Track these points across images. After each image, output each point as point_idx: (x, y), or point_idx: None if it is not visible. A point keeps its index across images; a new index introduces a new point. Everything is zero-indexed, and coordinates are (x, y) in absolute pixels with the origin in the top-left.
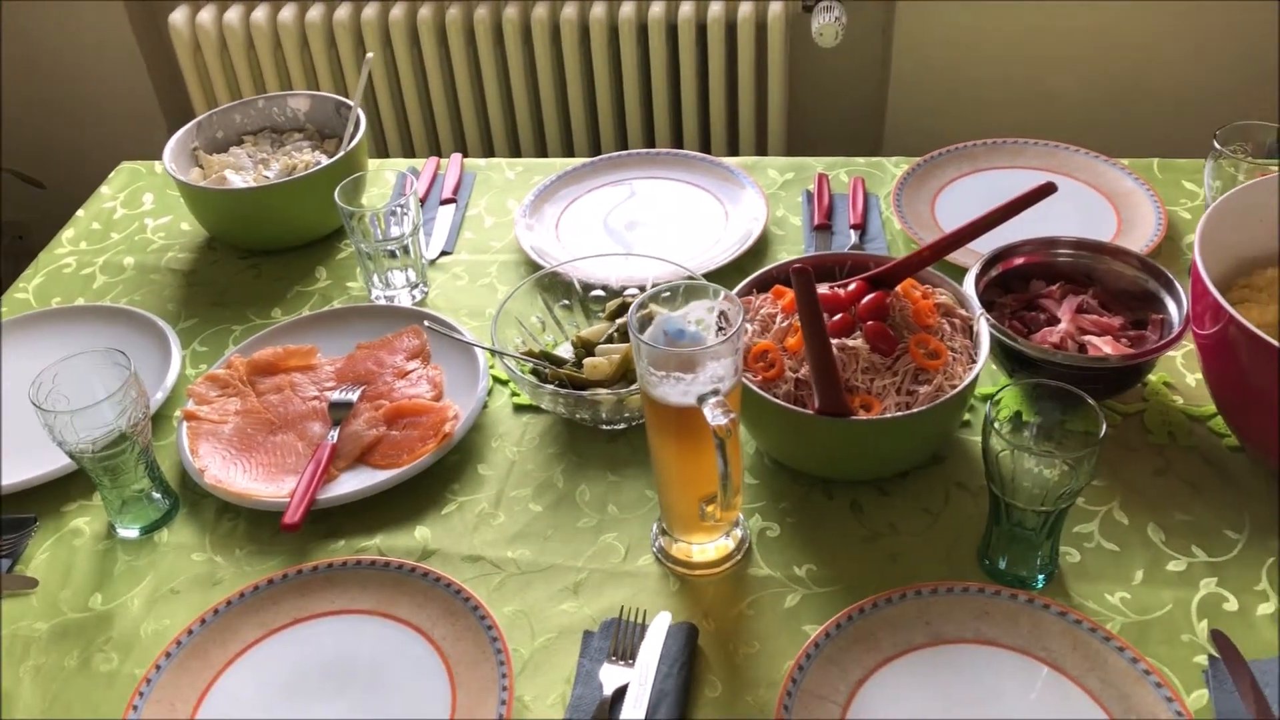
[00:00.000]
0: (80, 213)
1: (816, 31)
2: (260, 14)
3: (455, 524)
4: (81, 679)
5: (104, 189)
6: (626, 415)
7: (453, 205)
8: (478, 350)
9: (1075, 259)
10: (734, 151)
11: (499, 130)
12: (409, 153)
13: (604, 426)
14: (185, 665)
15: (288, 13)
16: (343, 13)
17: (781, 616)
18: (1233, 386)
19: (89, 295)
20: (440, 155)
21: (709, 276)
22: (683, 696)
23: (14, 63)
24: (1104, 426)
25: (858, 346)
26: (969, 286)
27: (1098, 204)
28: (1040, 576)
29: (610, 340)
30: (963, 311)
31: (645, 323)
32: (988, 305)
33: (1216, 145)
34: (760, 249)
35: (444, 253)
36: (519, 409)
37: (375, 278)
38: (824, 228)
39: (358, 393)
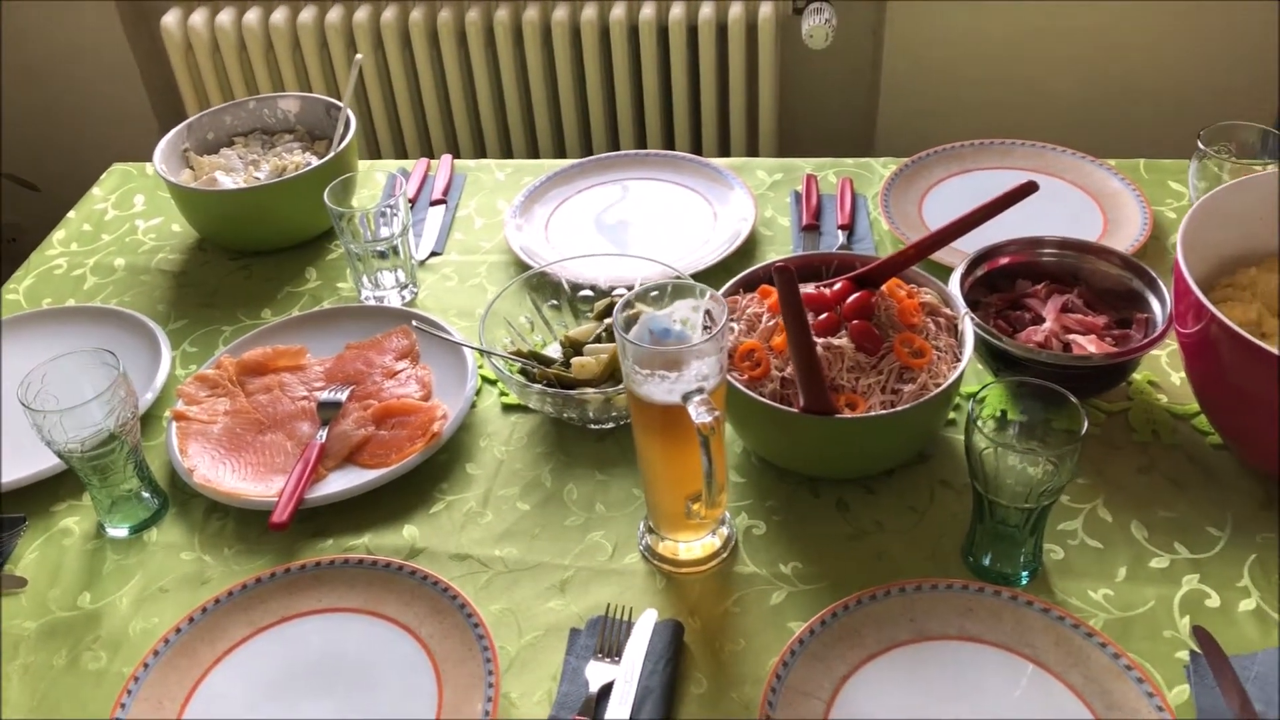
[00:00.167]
0: (71, 214)
1: (807, 33)
2: (252, 16)
3: (443, 523)
4: (70, 677)
5: (95, 190)
6: (614, 414)
7: (443, 206)
8: (466, 350)
9: (1060, 258)
10: (725, 153)
11: (491, 132)
12: (401, 154)
13: (592, 426)
14: (173, 663)
15: (279, 15)
16: (334, 15)
17: (767, 613)
18: (1215, 385)
19: (79, 296)
20: (432, 157)
21: (697, 276)
22: (668, 693)
23: (7, 65)
24: (1085, 424)
25: (843, 345)
26: (954, 286)
27: (1084, 204)
28: (1024, 573)
29: (598, 340)
30: (948, 310)
31: (631, 322)
32: (973, 305)
33: (1201, 146)
34: (748, 249)
35: (434, 253)
36: (507, 409)
37: (365, 278)
38: (812, 228)
39: (346, 393)
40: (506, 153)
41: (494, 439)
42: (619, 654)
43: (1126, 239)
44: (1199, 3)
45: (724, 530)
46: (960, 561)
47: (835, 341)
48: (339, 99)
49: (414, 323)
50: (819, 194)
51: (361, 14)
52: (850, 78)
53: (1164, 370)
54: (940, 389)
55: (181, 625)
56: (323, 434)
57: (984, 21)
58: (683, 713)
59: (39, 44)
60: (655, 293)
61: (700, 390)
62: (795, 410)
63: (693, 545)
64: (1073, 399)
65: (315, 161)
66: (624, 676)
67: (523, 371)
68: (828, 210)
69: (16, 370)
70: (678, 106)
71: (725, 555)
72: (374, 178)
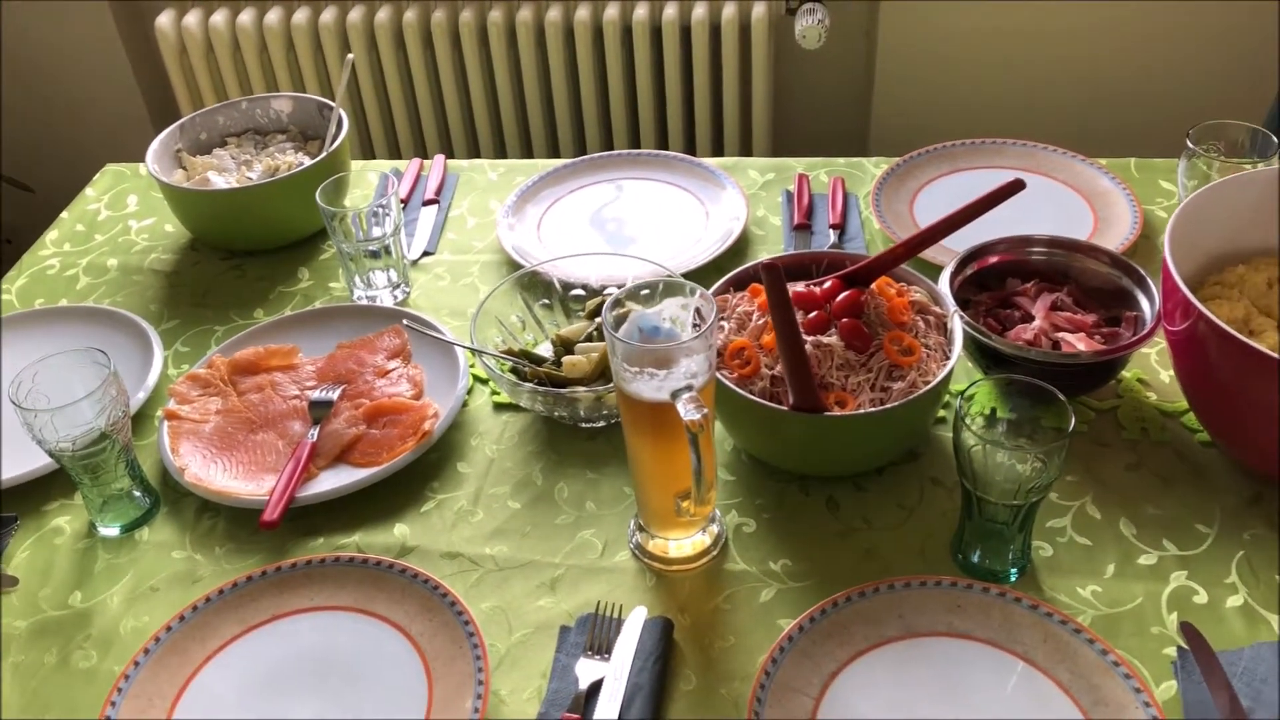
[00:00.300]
0: (64, 215)
1: (800, 34)
2: (246, 17)
3: (434, 521)
4: (60, 676)
5: (88, 191)
6: (605, 413)
7: (435, 206)
8: (458, 349)
9: (1049, 257)
10: (719, 154)
11: (484, 133)
12: (394, 155)
13: (583, 424)
14: (164, 662)
15: (273, 16)
16: (328, 16)
17: (757, 611)
18: (1202, 382)
19: (72, 296)
20: (426, 157)
21: (689, 276)
22: (657, 690)
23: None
24: (1072, 420)
25: (833, 344)
26: (944, 284)
27: (1075, 203)
28: (1013, 570)
29: (589, 339)
30: (937, 309)
31: (621, 320)
32: (964, 303)
33: (1190, 144)
34: (740, 248)
35: (426, 253)
36: (499, 407)
37: (357, 278)
38: (803, 227)
39: (338, 392)
40: (500, 153)
41: (485, 438)
42: (609, 651)
43: (1117, 238)
44: (1191, 3)
45: (714, 528)
46: (949, 559)
47: (825, 340)
48: (332, 99)
49: (405, 322)
50: (810, 193)
51: (355, 14)
52: (843, 78)
53: (1153, 368)
54: (929, 387)
55: (172, 624)
56: (314, 433)
57: (977, 22)
58: (672, 709)
59: (33, 46)
60: (645, 291)
61: (689, 388)
62: (784, 408)
63: (683, 543)
64: (1060, 395)
65: (308, 161)
66: (614, 674)
67: (514, 370)
68: (819, 209)
69: (8, 370)
70: (671, 107)
71: (715, 553)
72: (367, 178)
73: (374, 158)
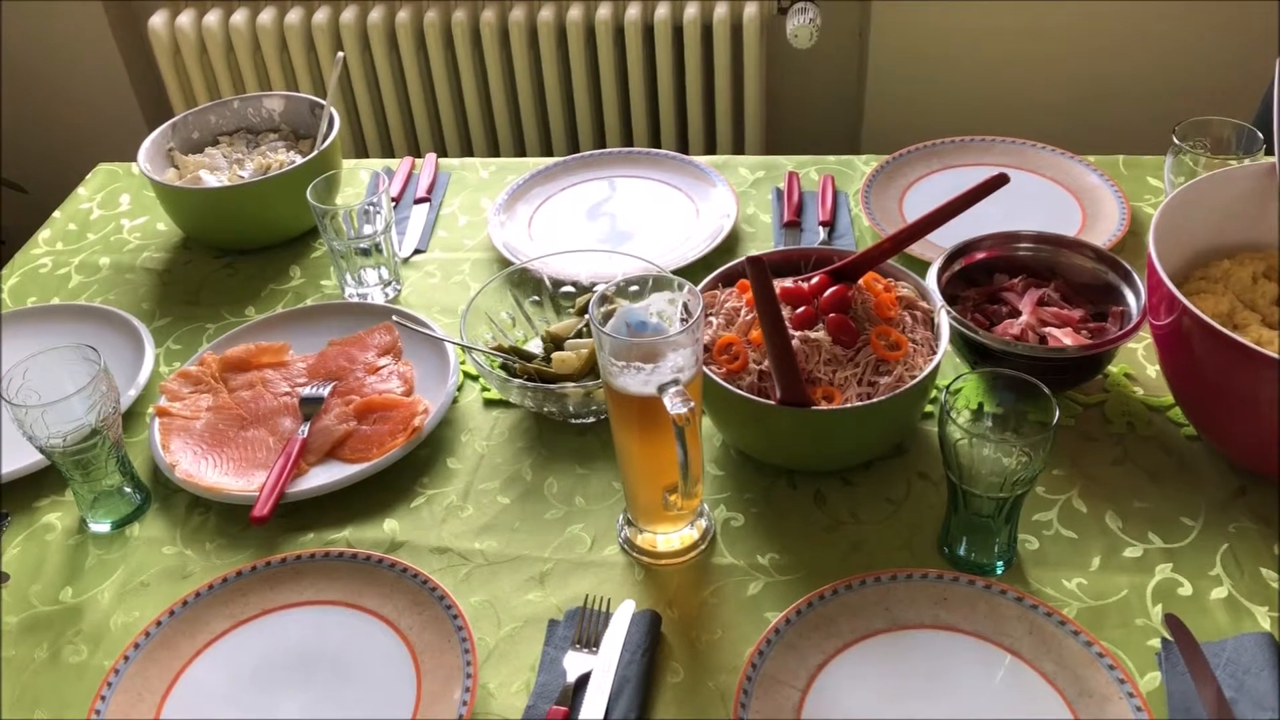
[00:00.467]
0: (57, 214)
1: (791, 33)
2: (239, 17)
3: (424, 516)
4: (51, 671)
5: (81, 190)
6: (594, 408)
7: (427, 204)
8: (448, 346)
9: (1036, 253)
10: (711, 153)
11: (477, 132)
12: (388, 154)
13: (572, 420)
14: (153, 656)
15: (266, 16)
16: (321, 16)
17: (744, 604)
18: (1188, 376)
19: (65, 295)
20: (418, 156)
21: (680, 273)
22: (645, 682)
23: None
24: (1057, 413)
25: (820, 338)
26: (931, 280)
27: (1063, 200)
28: (999, 563)
29: (579, 335)
30: (924, 304)
31: (608, 315)
32: (951, 299)
33: (1176, 141)
34: (730, 246)
35: (418, 251)
36: (489, 404)
37: (348, 276)
38: (793, 224)
39: (329, 388)
40: (493, 152)
41: (475, 434)
42: (597, 644)
43: (1104, 234)
44: (1181, 2)
45: (702, 522)
46: (936, 552)
47: (812, 335)
48: (325, 99)
49: (394, 318)
50: (801, 191)
51: (348, 15)
52: (836, 78)
53: (1140, 363)
54: (915, 381)
55: (162, 618)
56: (304, 429)
57: (969, 21)
58: (659, 702)
59: (27, 47)
60: (634, 287)
61: (676, 382)
62: (772, 402)
63: (671, 537)
64: (1044, 389)
65: (299, 160)
66: (602, 666)
67: (504, 366)
68: (809, 207)
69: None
70: (664, 107)
71: (704, 547)
72: (359, 177)
73: (368, 157)
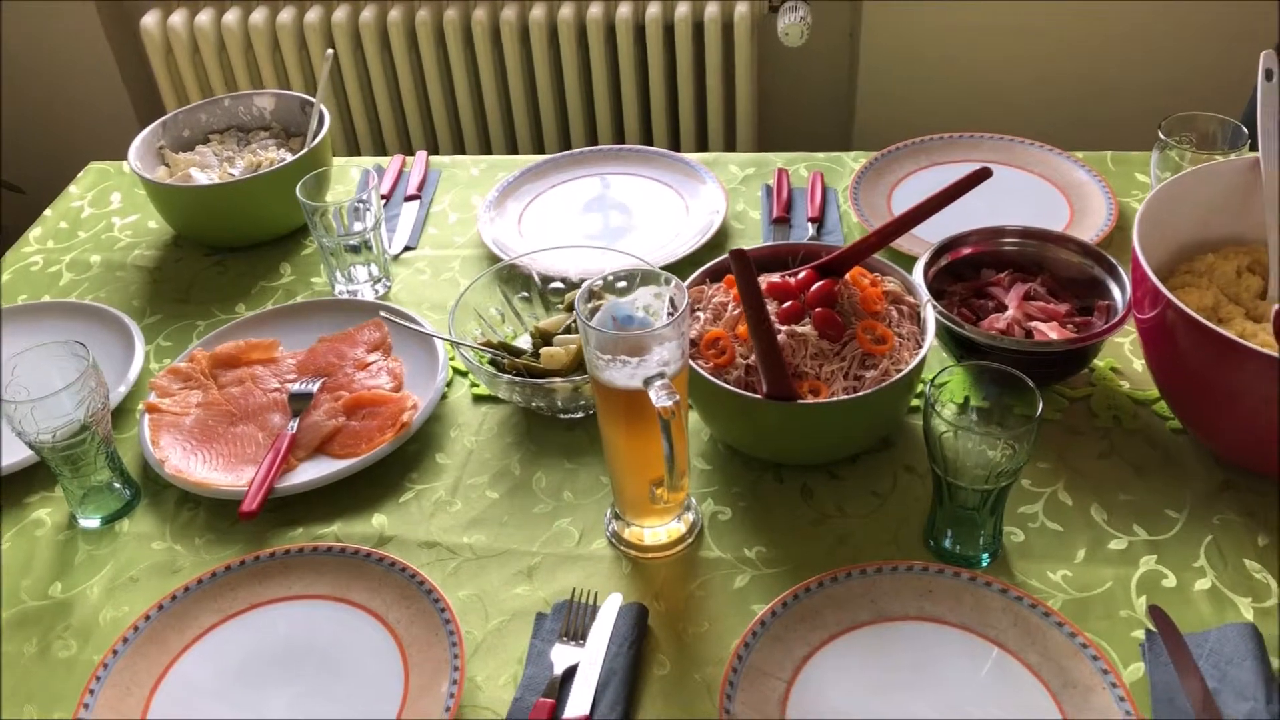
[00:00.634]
0: (48, 212)
1: (782, 31)
2: (231, 17)
3: (413, 511)
4: (40, 666)
5: (72, 189)
6: (582, 403)
7: (417, 201)
8: (437, 342)
9: (1022, 247)
10: (703, 151)
11: (470, 130)
12: (379, 152)
13: (561, 415)
14: (142, 650)
15: (258, 15)
16: (313, 15)
17: (731, 597)
18: (1172, 370)
19: (55, 292)
20: (409, 154)
21: (669, 269)
22: (632, 675)
23: None
24: (1040, 405)
25: (806, 333)
26: (918, 275)
27: (1051, 196)
28: (984, 555)
29: (568, 331)
30: (910, 298)
31: (595, 309)
32: (938, 294)
33: (1162, 136)
34: (719, 242)
35: (408, 248)
36: (478, 399)
37: (338, 273)
38: (782, 221)
39: (318, 384)
40: (485, 150)
41: (464, 429)
42: (584, 637)
43: (1092, 229)
44: (1170, 2)
45: (689, 516)
46: (922, 545)
47: (799, 329)
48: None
49: (382, 314)
50: (790, 187)
51: (340, 14)
52: (827, 76)
53: (1126, 357)
54: (901, 374)
55: (151, 613)
56: (294, 425)
57: (960, 20)
58: (646, 694)
59: (20, 47)
60: (622, 282)
61: (662, 375)
62: (758, 396)
63: (658, 531)
64: (1029, 382)
65: (290, 158)
66: (588, 659)
67: (492, 362)
68: (798, 203)
69: None
70: (655, 105)
71: (690, 540)
72: (349, 174)
73: (360, 155)
